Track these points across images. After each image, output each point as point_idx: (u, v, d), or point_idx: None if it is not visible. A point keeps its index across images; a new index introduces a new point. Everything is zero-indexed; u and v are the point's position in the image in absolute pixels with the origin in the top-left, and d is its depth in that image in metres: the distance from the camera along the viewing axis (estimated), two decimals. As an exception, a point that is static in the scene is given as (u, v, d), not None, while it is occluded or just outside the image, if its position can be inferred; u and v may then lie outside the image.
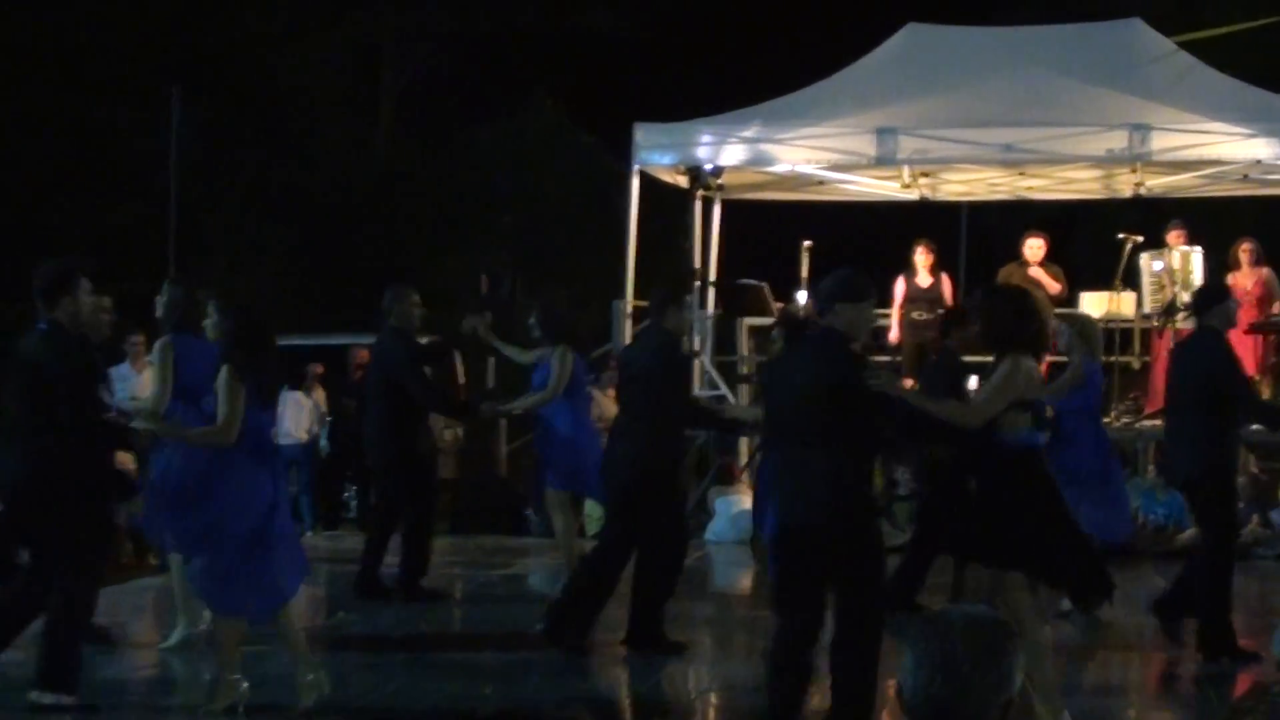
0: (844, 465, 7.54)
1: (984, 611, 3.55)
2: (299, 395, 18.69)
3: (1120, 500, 12.30)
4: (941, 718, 3.47)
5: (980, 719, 3.49)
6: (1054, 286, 16.80)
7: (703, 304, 18.07)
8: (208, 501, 8.55)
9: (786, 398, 7.79)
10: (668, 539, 10.49)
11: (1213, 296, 11.01)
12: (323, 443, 19.16)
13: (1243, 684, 9.97)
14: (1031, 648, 7.62)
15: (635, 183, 17.93)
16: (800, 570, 7.61)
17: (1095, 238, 23.29)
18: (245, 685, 8.58)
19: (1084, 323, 12.59)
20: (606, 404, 15.98)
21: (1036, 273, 16.93)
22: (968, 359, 11.59)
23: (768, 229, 18.55)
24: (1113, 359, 16.80)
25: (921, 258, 17.41)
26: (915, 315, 17.21)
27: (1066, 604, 11.56)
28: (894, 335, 17.49)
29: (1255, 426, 15.90)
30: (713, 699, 9.64)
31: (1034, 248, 17.18)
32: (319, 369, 19.43)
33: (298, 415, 18.61)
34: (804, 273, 17.70)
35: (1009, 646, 3.51)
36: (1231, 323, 10.99)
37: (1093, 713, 9.02)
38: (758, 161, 18.00)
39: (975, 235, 21.23)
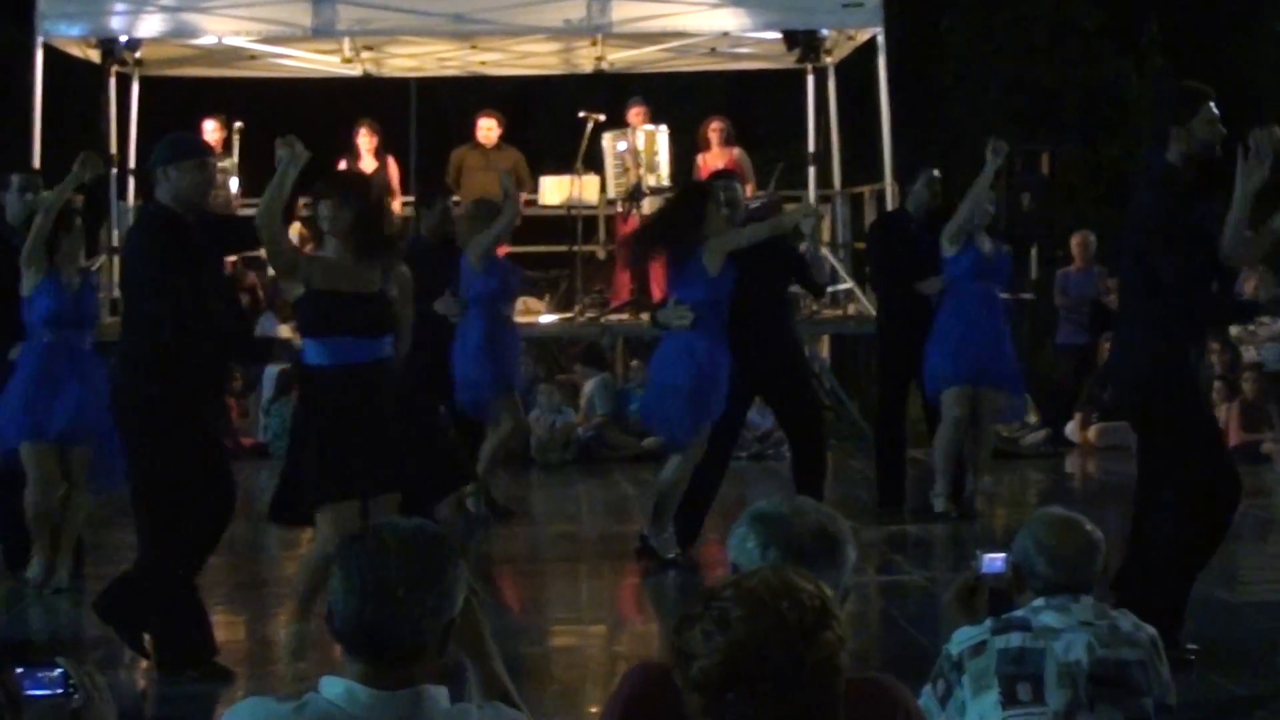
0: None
1: (420, 525, 3.50)
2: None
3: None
4: (376, 648, 3.42)
5: (419, 646, 3.44)
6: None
7: (122, 194, 17.58)
8: None
9: None
10: None
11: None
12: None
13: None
14: None
15: (39, 57, 17.25)
16: None
17: (555, 117, 23.61)
18: None
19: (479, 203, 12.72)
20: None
21: (492, 153, 16.93)
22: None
23: (194, 109, 18.06)
24: (576, 249, 17.06)
25: (365, 140, 17.22)
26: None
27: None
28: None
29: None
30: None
31: (486, 129, 17.12)
32: None
33: None
34: (235, 158, 17.36)
35: (448, 564, 3.46)
36: None
37: (531, 628, 9.25)
38: (179, 33, 17.61)
39: (426, 115, 21.28)
